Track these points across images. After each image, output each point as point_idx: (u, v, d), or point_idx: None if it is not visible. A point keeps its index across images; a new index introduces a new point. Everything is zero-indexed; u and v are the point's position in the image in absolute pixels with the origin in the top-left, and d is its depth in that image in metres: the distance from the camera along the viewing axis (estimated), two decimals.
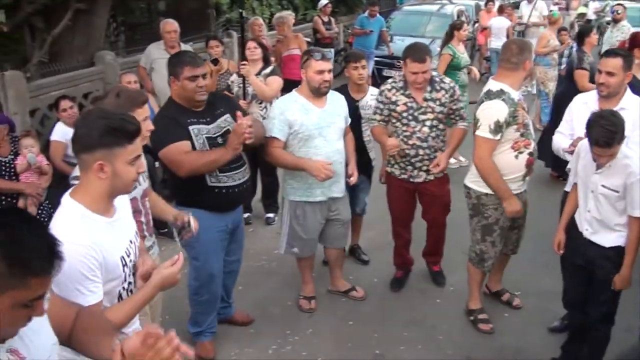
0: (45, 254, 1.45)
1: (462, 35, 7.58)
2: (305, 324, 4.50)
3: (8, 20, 6.08)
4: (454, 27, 7.68)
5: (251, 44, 5.87)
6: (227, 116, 3.79)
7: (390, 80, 4.69)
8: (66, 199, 2.18)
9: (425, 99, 4.41)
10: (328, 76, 4.16)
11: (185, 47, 6.91)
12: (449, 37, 7.61)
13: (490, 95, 3.94)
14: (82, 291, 2.04)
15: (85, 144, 2.14)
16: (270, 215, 6.26)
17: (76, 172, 2.53)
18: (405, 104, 4.43)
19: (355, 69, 4.84)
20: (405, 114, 4.44)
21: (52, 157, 5.27)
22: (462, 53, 7.50)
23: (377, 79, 10.79)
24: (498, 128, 3.85)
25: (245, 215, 6.19)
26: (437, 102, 4.41)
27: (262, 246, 5.65)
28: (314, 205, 4.33)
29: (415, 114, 4.42)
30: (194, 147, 3.58)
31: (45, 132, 5.90)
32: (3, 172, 4.88)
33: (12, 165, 4.92)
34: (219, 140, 3.68)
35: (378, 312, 4.65)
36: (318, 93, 4.20)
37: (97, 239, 2.09)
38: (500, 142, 3.93)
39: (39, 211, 5.03)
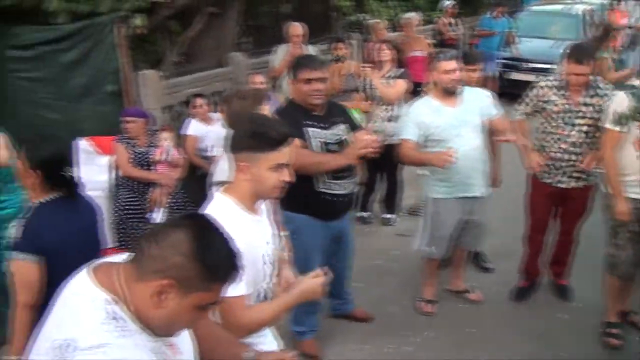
0: (231, 263, 1.50)
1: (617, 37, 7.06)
2: (422, 326, 4.44)
3: (146, 23, 6.46)
4: (607, 29, 7.18)
5: (383, 45, 5.87)
6: (344, 126, 3.81)
7: (547, 78, 4.57)
8: (218, 194, 2.28)
9: (582, 103, 4.22)
10: (457, 75, 4.11)
11: (310, 49, 7.04)
12: (601, 40, 7.14)
13: (621, 87, 3.77)
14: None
15: (234, 144, 2.24)
16: (389, 216, 6.24)
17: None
18: (561, 104, 4.26)
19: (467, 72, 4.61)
20: (560, 116, 4.27)
21: (185, 150, 5.57)
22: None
23: (502, 82, 10.47)
24: (618, 120, 3.72)
25: (365, 214, 6.24)
26: (593, 108, 4.20)
27: (381, 246, 5.64)
28: (452, 203, 4.27)
29: (570, 117, 4.24)
30: (309, 149, 3.60)
31: (177, 127, 6.22)
32: (140, 162, 5.22)
33: (149, 157, 5.24)
34: (334, 147, 3.69)
35: (499, 322, 4.48)
36: (448, 93, 4.16)
37: (247, 234, 2.16)
38: (624, 138, 3.78)
39: (172, 200, 5.33)
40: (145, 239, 1.46)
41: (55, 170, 2.61)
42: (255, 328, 2.19)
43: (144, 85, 6.08)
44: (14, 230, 2.50)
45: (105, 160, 5.52)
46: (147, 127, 5.32)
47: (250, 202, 2.27)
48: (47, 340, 1.43)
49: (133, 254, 1.48)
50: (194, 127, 5.76)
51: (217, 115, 6.06)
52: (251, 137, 2.18)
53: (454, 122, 4.12)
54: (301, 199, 3.63)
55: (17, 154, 2.72)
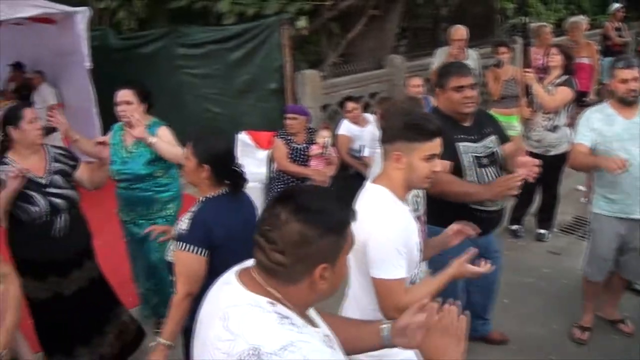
0: (344, 210, 1.54)
1: None
2: (568, 353, 4.14)
3: (309, 25, 6.67)
4: None
5: (553, 49, 5.60)
6: (494, 137, 3.60)
7: None
8: (371, 185, 2.40)
9: None
10: (634, 85, 3.80)
11: (471, 53, 6.88)
12: None
13: None
14: (390, 264, 2.21)
15: (388, 135, 2.36)
16: (542, 231, 5.93)
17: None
18: None
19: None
20: None
21: (338, 149, 5.69)
22: None
23: None
24: None
25: (517, 227, 5.98)
26: None
27: (532, 262, 5.36)
28: (613, 222, 3.97)
29: None
30: (459, 165, 3.41)
31: (333, 126, 6.37)
32: (297, 158, 5.40)
33: (305, 153, 5.41)
34: (485, 161, 3.50)
35: None
36: (625, 103, 3.85)
37: (403, 220, 2.29)
38: None
39: None
40: (267, 250, 1.47)
41: (226, 165, 2.68)
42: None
43: (304, 84, 6.29)
44: (182, 224, 2.59)
45: (263, 153, 5.78)
46: (306, 125, 5.50)
47: (402, 192, 2.38)
48: (227, 356, 1.41)
49: (259, 259, 1.50)
50: (346, 128, 5.88)
51: (371, 117, 6.13)
52: (407, 128, 2.29)
53: (623, 135, 3.81)
54: (450, 213, 3.41)
55: (184, 149, 2.74)
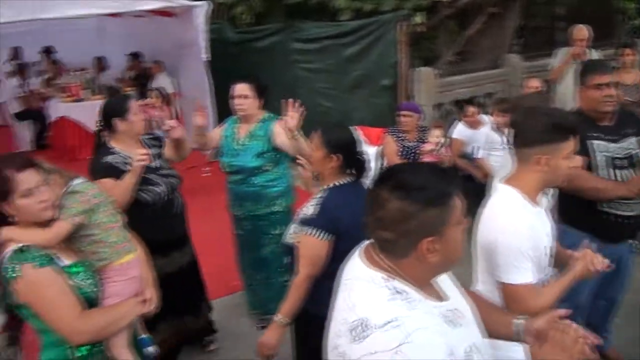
0: (440, 181, 1.52)
1: None
2: None
3: (426, 21, 6.56)
4: None
5: None
6: (635, 139, 3.34)
7: None
8: (501, 185, 2.32)
9: None
10: None
11: (594, 54, 6.51)
12: None
13: None
14: (519, 268, 2.15)
15: (527, 138, 2.25)
16: None
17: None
18: None
19: None
20: None
21: (451, 152, 5.55)
22: None
23: None
24: None
25: (630, 241, 5.55)
26: None
27: None
28: None
29: None
30: (591, 164, 3.23)
31: (446, 125, 6.22)
32: (407, 156, 5.32)
33: (416, 151, 5.31)
34: (621, 162, 3.26)
35: None
36: None
37: (532, 223, 2.20)
38: None
39: None
40: (374, 228, 1.53)
41: (353, 154, 2.76)
42: (544, 307, 2.15)
43: (419, 81, 6.18)
44: (307, 209, 2.67)
45: (373, 149, 5.73)
46: (418, 123, 5.40)
47: (535, 194, 2.29)
48: (344, 323, 1.50)
49: (371, 237, 1.58)
50: (460, 131, 5.72)
51: (486, 118, 5.93)
52: (549, 130, 2.20)
53: None
54: (579, 215, 3.33)
55: (310, 140, 2.84)
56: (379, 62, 6.54)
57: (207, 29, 7.76)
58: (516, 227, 2.17)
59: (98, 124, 3.52)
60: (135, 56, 10.86)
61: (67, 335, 2.06)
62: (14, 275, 1.96)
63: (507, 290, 2.19)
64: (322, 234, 2.59)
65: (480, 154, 5.48)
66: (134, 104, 3.48)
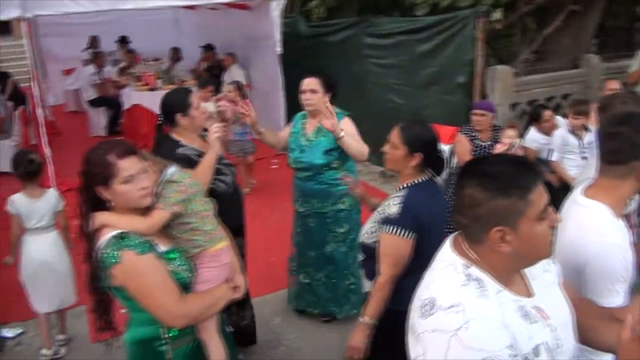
0: (509, 169, 1.54)
1: None
2: None
3: (503, 18, 6.40)
4: None
5: None
6: None
7: None
8: (585, 200, 2.15)
9: None
10: None
11: None
12: None
13: None
14: (613, 291, 2.01)
15: (630, 152, 2.07)
16: None
17: None
18: None
19: None
20: None
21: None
22: None
23: None
24: None
25: None
26: None
27: None
28: None
29: None
30: None
31: (522, 126, 6.08)
32: (479, 156, 5.21)
33: (489, 151, 5.20)
34: None
35: None
36: None
37: (621, 241, 2.03)
38: None
39: None
40: (453, 213, 1.61)
41: (433, 152, 2.71)
42: None
43: (494, 80, 6.05)
44: (390, 207, 2.63)
45: (444, 148, 5.65)
46: (492, 122, 5.29)
47: (622, 207, 2.13)
48: (418, 298, 1.60)
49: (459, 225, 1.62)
50: (533, 138, 5.56)
51: (562, 121, 5.77)
52: None
53: None
54: None
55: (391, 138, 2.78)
56: (454, 59, 6.43)
57: (281, 23, 7.83)
58: (609, 251, 2.00)
59: (159, 118, 3.52)
60: (208, 48, 11.07)
61: (166, 320, 2.11)
62: (114, 261, 2.00)
63: None
64: (406, 233, 2.57)
65: (554, 157, 5.32)
66: (195, 98, 3.46)
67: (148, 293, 2.05)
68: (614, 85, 5.64)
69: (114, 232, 2.05)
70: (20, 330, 4.45)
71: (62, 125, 11.01)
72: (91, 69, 10.71)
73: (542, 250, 1.58)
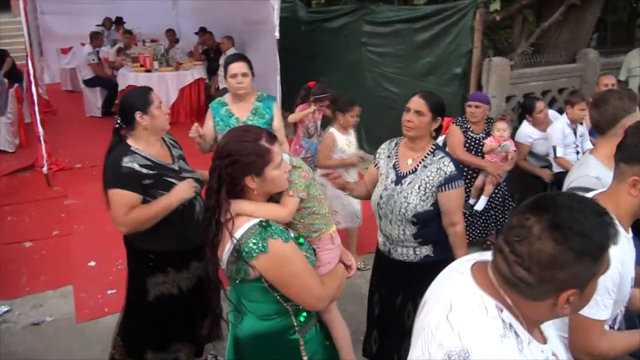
0: (606, 234, 1.33)
1: None
2: None
3: (502, 9, 6.34)
4: None
5: None
6: None
7: None
8: None
9: None
10: None
11: None
12: None
13: None
14: (598, 303, 1.95)
15: (629, 154, 2.04)
16: None
17: None
18: None
19: None
20: None
21: (519, 152, 5.40)
22: None
23: None
24: None
25: None
26: None
27: None
28: None
29: None
30: None
31: (516, 119, 6.06)
32: (472, 148, 5.20)
33: (482, 143, 5.19)
34: None
35: None
36: None
37: (622, 253, 1.97)
38: None
39: (495, 191, 5.25)
40: (512, 263, 1.34)
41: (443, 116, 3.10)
42: (607, 357, 2.02)
43: (491, 71, 6.01)
44: (448, 167, 2.95)
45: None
46: (486, 114, 5.27)
47: (629, 221, 2.08)
48: (439, 347, 1.37)
49: (499, 266, 1.38)
50: (526, 134, 5.49)
51: (556, 114, 5.75)
52: None
53: None
54: None
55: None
56: (452, 49, 6.38)
57: (280, 8, 7.77)
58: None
59: (116, 121, 3.11)
60: (206, 31, 11.02)
61: (310, 302, 2.12)
62: (262, 251, 1.96)
63: (578, 320, 1.99)
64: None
65: (559, 153, 5.20)
66: (155, 96, 3.12)
67: (296, 279, 2.05)
68: (608, 81, 5.60)
69: (255, 221, 2.01)
70: (6, 308, 4.45)
71: (57, 104, 10.97)
72: (87, 48, 10.66)
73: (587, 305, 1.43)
